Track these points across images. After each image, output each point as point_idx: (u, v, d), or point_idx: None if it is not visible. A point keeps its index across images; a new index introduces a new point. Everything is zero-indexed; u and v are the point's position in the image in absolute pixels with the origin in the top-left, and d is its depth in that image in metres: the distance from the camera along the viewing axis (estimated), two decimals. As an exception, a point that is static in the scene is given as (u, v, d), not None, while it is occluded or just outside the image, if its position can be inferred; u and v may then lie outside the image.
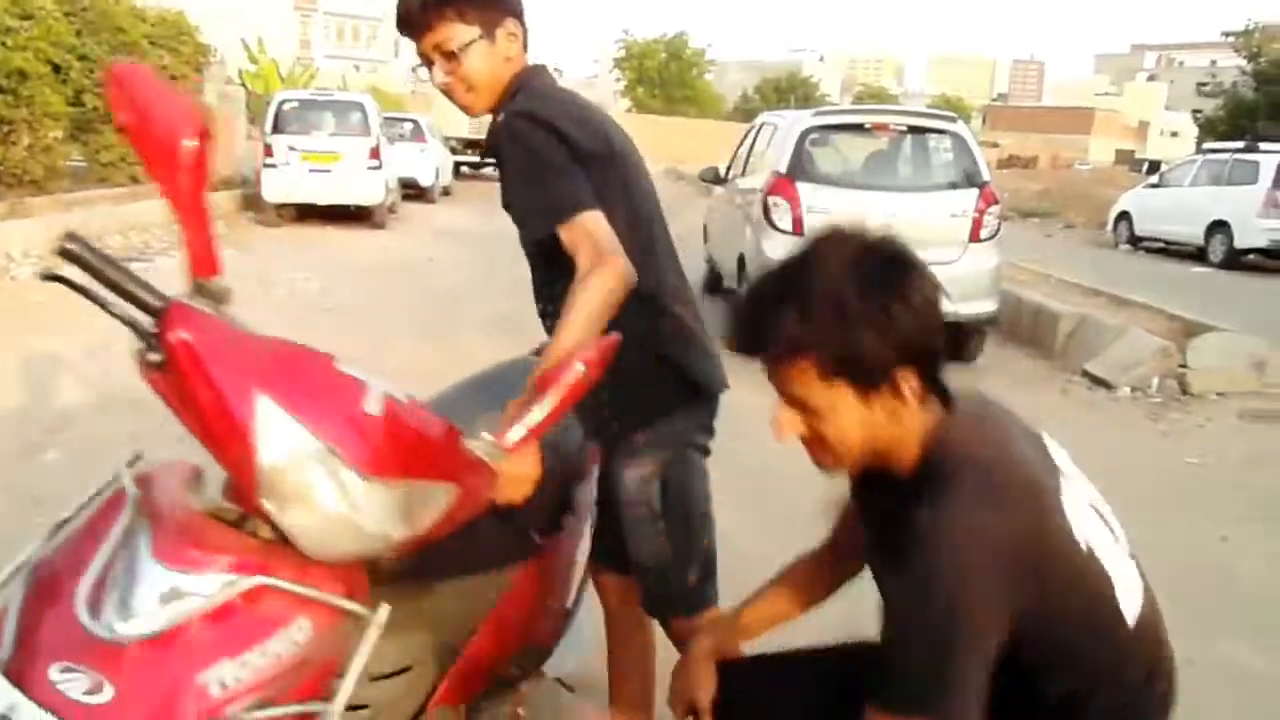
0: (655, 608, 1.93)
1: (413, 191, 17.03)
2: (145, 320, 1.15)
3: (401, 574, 1.57)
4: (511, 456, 1.36)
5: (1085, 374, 6.76)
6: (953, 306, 5.56)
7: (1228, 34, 27.43)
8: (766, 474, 4.63)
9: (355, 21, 76.85)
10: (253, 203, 13.69)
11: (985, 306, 6.81)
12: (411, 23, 1.75)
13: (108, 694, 1.04)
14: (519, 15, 1.81)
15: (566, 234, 1.64)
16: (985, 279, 6.78)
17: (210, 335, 1.12)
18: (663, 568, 1.89)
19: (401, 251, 11.59)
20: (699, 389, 1.88)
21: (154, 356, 1.13)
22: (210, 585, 1.10)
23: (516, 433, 1.35)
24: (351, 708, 1.61)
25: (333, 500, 1.15)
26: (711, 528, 1.96)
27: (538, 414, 1.37)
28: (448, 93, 1.80)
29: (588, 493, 2.22)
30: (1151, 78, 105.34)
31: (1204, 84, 27.10)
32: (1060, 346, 7.40)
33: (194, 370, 1.10)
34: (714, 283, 9.23)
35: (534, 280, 1.89)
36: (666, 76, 52.45)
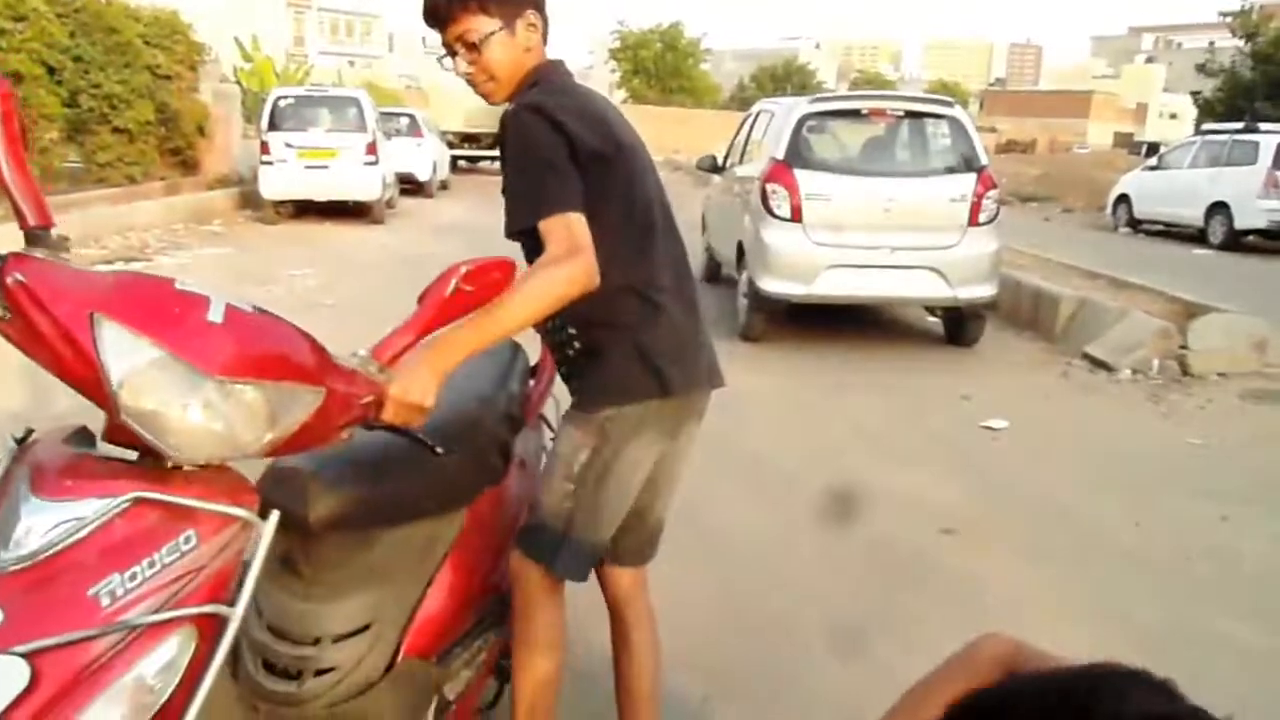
0: (520, 539, 1.96)
1: (410, 186, 17.01)
2: None
3: (343, 527, 1.63)
4: (402, 382, 1.46)
5: (1086, 356, 6.75)
6: (952, 291, 5.60)
7: (1225, 14, 27.23)
8: (760, 456, 4.66)
9: (349, 18, 76.65)
10: (250, 200, 13.68)
11: (985, 290, 6.81)
12: (437, 15, 1.82)
13: None
14: (539, 6, 1.87)
15: (545, 226, 1.68)
16: (985, 263, 6.77)
17: (45, 274, 1.20)
18: (548, 519, 1.91)
19: (400, 246, 11.58)
20: (668, 389, 1.88)
21: (2, 312, 1.20)
22: (90, 509, 1.17)
23: (390, 345, 1.49)
24: (320, 671, 1.66)
25: (188, 404, 1.20)
26: (610, 526, 1.95)
27: (411, 327, 1.50)
28: (470, 82, 1.86)
29: (533, 444, 2.26)
30: (1149, 60, 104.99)
31: (1202, 65, 26.84)
32: (1061, 329, 7.40)
33: (33, 307, 1.17)
34: (713, 272, 9.22)
35: None
36: (662, 67, 52.23)
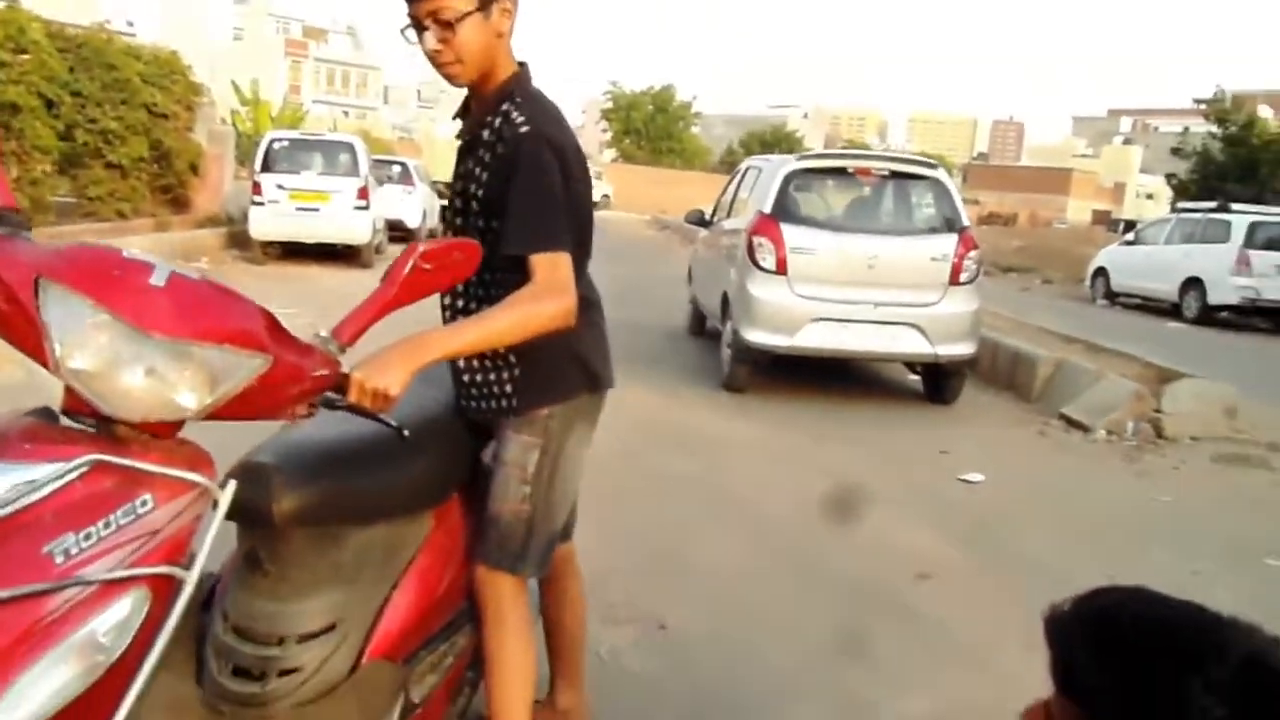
0: (487, 555, 1.99)
1: (400, 233, 17.13)
2: None
3: (308, 523, 1.65)
4: (369, 368, 1.51)
5: (1062, 417, 6.85)
6: (932, 348, 5.72)
7: (1199, 101, 28.12)
8: (744, 501, 4.70)
9: (345, 69, 77.65)
10: (238, 240, 13.73)
11: (964, 348, 6.92)
12: None
13: None
14: None
15: (537, 259, 1.76)
16: (965, 322, 6.90)
17: (1, 247, 1.28)
18: (512, 526, 1.97)
19: (387, 290, 11.63)
20: (598, 385, 2.04)
21: None
22: (48, 472, 1.20)
23: (349, 324, 1.57)
24: (284, 672, 1.67)
25: (130, 363, 1.25)
26: (563, 517, 2.08)
27: (370, 305, 1.58)
28: (435, 61, 1.84)
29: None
30: (1127, 141, 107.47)
31: (1177, 149, 27.58)
32: (1038, 390, 7.51)
33: None
34: (698, 324, 9.31)
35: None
36: (653, 128, 53.05)
